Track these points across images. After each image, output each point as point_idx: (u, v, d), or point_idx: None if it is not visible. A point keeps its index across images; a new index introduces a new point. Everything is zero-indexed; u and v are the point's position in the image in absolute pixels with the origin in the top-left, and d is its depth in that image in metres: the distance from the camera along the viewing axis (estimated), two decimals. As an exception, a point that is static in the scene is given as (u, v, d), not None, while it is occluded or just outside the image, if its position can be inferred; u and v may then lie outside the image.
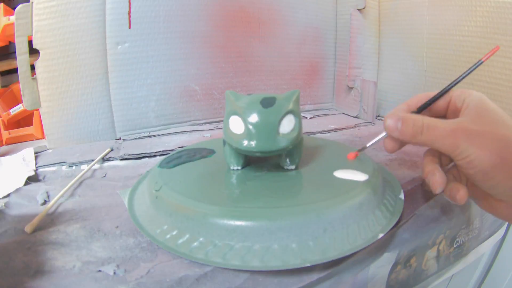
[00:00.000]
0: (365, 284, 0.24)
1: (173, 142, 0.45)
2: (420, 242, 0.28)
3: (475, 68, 0.26)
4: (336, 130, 0.52)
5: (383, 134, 0.28)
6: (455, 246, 0.34)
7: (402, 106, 0.28)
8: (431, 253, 0.30)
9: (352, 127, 0.54)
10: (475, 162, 0.23)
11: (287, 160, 0.29)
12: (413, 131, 0.25)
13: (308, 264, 0.20)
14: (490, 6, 0.42)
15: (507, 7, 0.40)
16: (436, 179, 0.25)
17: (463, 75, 0.26)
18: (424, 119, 0.25)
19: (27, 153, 0.41)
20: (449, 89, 0.27)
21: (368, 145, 0.30)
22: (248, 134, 0.25)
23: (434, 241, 0.30)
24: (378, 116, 0.61)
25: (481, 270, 0.49)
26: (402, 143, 0.28)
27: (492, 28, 0.42)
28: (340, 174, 0.28)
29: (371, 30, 0.59)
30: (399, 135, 0.25)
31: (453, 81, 0.27)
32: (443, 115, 0.28)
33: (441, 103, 0.27)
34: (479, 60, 0.26)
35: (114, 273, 0.20)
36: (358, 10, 0.58)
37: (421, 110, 0.27)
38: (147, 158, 0.41)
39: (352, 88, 0.60)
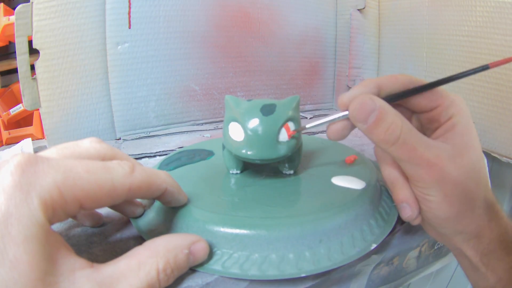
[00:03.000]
0: (350, 279, 0.25)
1: (173, 142, 0.45)
2: (406, 246, 0.28)
3: (478, 72, 0.21)
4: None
5: (342, 114, 0.22)
6: (435, 248, 0.34)
7: (371, 84, 0.22)
8: (413, 253, 0.31)
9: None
10: (432, 206, 0.22)
11: (286, 165, 0.29)
12: (385, 136, 0.20)
13: (303, 274, 0.20)
14: (490, 6, 0.42)
15: (507, 7, 0.40)
16: (412, 213, 0.23)
17: (461, 75, 0.21)
18: (404, 127, 0.20)
19: (25, 144, 0.41)
20: (439, 84, 0.22)
21: (308, 126, 0.25)
22: (247, 142, 0.25)
23: (418, 244, 0.31)
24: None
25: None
26: (351, 129, 0.23)
27: (492, 28, 0.42)
28: (338, 181, 0.28)
29: (371, 30, 0.59)
30: (364, 130, 0.21)
31: (448, 77, 0.22)
32: (420, 113, 0.24)
33: (423, 102, 0.23)
34: (485, 65, 0.21)
35: None
36: (358, 10, 0.58)
37: (394, 99, 0.22)
38: (147, 158, 0.41)
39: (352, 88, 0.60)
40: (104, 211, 0.28)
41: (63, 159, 0.17)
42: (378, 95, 0.22)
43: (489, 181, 0.23)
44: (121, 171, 0.18)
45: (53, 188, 0.15)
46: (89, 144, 0.21)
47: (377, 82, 0.22)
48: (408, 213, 0.23)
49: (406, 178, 0.23)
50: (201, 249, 0.20)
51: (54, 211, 0.15)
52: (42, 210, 0.15)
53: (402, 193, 0.24)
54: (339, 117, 0.22)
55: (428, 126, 0.24)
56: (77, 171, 0.16)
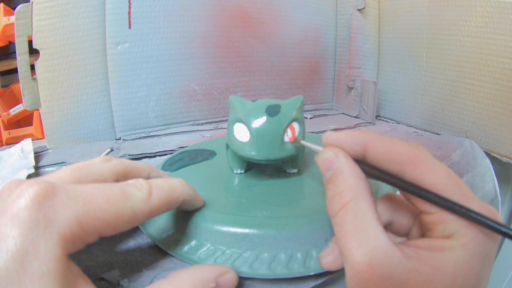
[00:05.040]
0: None
1: (173, 142, 0.45)
2: None
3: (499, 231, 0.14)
4: (336, 130, 0.52)
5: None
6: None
7: (359, 138, 0.18)
8: None
9: (352, 127, 0.54)
10: None
11: (290, 164, 0.30)
12: (328, 203, 0.17)
13: (312, 273, 0.20)
14: (490, 6, 0.42)
15: (507, 7, 0.40)
16: (327, 260, 0.19)
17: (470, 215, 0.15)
18: (349, 206, 0.16)
19: (25, 144, 0.41)
20: (437, 203, 0.15)
21: (302, 143, 0.25)
22: (253, 143, 0.26)
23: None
24: (378, 116, 0.61)
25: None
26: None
27: (492, 28, 0.42)
28: None
29: (371, 30, 0.59)
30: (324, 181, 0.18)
31: (452, 203, 0.15)
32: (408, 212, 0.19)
33: (414, 199, 0.17)
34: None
35: (119, 283, 0.20)
36: (358, 10, 0.58)
37: (370, 174, 0.18)
38: (147, 158, 0.41)
39: (352, 88, 0.60)
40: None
41: (80, 186, 0.16)
42: (363, 154, 0.18)
43: (495, 204, 0.18)
44: (140, 197, 0.17)
45: (73, 222, 0.15)
46: (101, 164, 0.20)
47: (366, 139, 0.18)
48: (323, 253, 0.20)
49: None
50: (229, 281, 0.19)
51: (73, 244, 0.15)
52: (60, 245, 0.14)
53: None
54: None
55: (424, 230, 0.18)
56: (97, 201, 0.16)
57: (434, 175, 0.16)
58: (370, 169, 0.18)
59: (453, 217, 0.15)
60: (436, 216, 0.16)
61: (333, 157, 0.18)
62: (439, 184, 0.16)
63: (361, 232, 0.16)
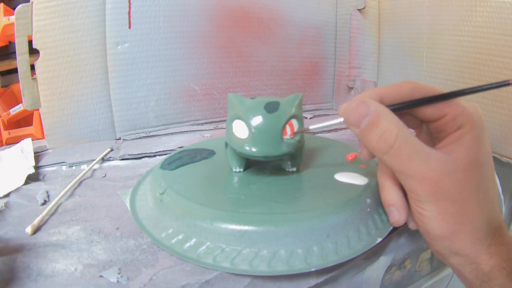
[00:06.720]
0: (360, 285, 0.25)
1: (173, 142, 0.45)
2: (415, 245, 0.28)
3: (495, 87, 0.20)
4: (336, 130, 0.52)
5: (339, 120, 0.22)
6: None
7: (373, 93, 0.21)
8: (425, 255, 0.30)
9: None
10: (425, 220, 0.20)
11: (289, 162, 0.29)
12: (378, 144, 0.19)
13: (313, 269, 0.20)
14: (490, 6, 0.42)
15: (507, 7, 0.40)
16: (400, 217, 0.22)
17: (475, 89, 0.20)
18: (399, 135, 0.19)
19: (25, 144, 0.41)
20: (447, 98, 0.21)
21: (312, 127, 0.25)
22: (252, 140, 0.26)
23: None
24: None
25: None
26: None
27: (492, 28, 0.42)
28: (341, 177, 0.28)
29: (371, 30, 0.59)
30: (357, 135, 0.20)
31: (459, 91, 0.20)
32: (427, 122, 0.23)
33: (428, 111, 0.21)
34: (506, 81, 0.19)
35: (117, 281, 0.20)
36: (358, 10, 0.58)
37: (399, 109, 0.21)
38: (147, 158, 0.41)
39: (352, 88, 0.60)
40: (105, 211, 0.28)
41: None
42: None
43: (498, 203, 0.21)
44: None
45: None
46: None
47: (379, 91, 0.21)
48: (396, 217, 0.22)
49: (395, 180, 0.22)
50: None
51: None
52: None
53: (389, 196, 0.23)
54: (339, 122, 0.22)
55: (436, 136, 0.22)
56: None
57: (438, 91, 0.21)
58: (393, 108, 0.21)
59: (458, 111, 0.20)
60: (448, 116, 0.21)
61: (365, 105, 0.20)
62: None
63: (417, 152, 0.19)
